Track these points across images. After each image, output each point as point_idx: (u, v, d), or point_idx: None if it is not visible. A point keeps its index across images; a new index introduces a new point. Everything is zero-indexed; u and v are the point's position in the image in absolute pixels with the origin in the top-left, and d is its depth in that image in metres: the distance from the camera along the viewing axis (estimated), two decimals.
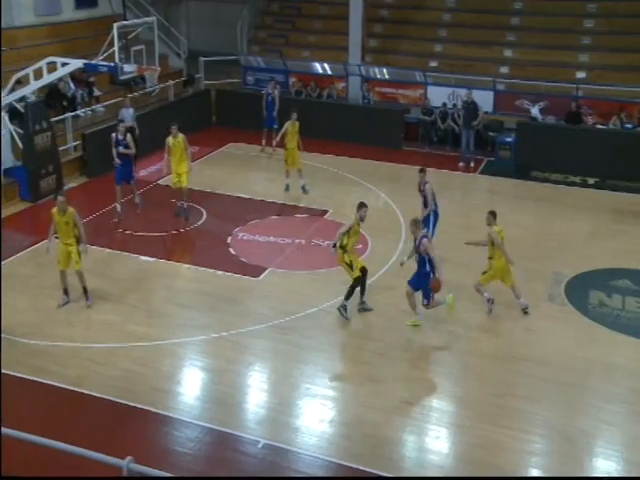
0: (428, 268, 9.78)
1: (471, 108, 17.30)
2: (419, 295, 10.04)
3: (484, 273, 10.53)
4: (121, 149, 13.45)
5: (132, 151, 13.66)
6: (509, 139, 17.87)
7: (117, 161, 13.48)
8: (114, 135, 13.61)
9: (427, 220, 11.88)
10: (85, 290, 10.48)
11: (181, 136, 13.54)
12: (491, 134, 18.42)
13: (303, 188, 15.12)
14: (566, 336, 10.17)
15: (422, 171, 12.19)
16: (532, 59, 19.90)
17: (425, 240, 9.77)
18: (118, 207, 13.62)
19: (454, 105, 18.88)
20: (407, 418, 8.42)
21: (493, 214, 10.40)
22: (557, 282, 11.63)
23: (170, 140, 13.49)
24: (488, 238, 10.34)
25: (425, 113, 19.19)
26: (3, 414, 8.11)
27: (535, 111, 18.44)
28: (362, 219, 10.31)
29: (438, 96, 19.26)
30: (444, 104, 19.01)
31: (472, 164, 17.46)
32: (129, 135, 13.71)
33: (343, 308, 10.30)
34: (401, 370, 9.41)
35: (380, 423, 8.28)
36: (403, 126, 18.95)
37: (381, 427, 8.21)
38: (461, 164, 17.50)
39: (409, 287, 10.00)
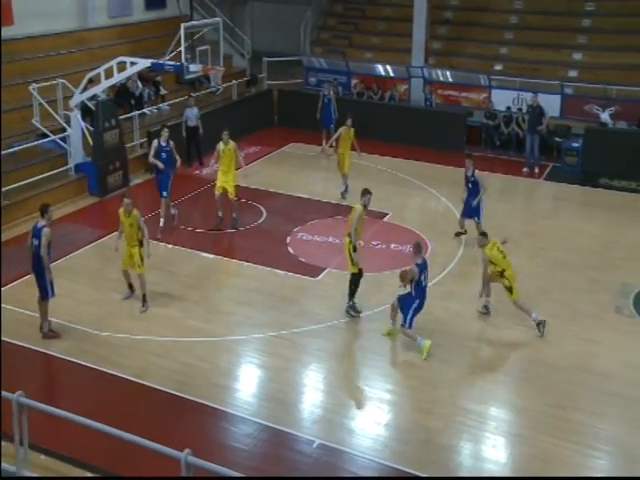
0: (414, 292, 9.53)
1: (536, 112, 16.90)
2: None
3: (509, 292, 10.01)
4: (163, 156, 12.84)
5: (177, 164, 13.11)
6: (576, 145, 17.35)
7: (160, 165, 12.85)
8: (156, 141, 13.04)
9: (478, 208, 12.45)
10: (144, 297, 10.50)
11: (232, 144, 13.05)
12: (557, 139, 17.94)
13: (342, 193, 15.06)
14: (633, 349, 9.81)
15: (469, 157, 12.13)
16: (603, 62, 19.31)
17: (414, 267, 9.49)
18: (172, 211, 13.40)
19: (519, 109, 18.50)
20: (464, 425, 8.27)
21: (484, 234, 10.14)
22: (625, 293, 11.23)
23: (221, 146, 12.99)
24: (486, 262, 9.90)
25: (488, 117, 18.84)
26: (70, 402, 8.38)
27: (605, 116, 17.86)
28: (366, 206, 10.29)
29: (502, 100, 18.88)
30: (508, 108, 18.64)
31: (537, 170, 17.05)
32: (172, 142, 13.10)
33: (351, 309, 10.37)
34: (458, 376, 9.25)
35: (436, 429, 8.17)
36: (465, 130, 18.66)
37: (437, 433, 8.11)
38: (525, 169, 17.11)
39: (396, 301, 9.78)
